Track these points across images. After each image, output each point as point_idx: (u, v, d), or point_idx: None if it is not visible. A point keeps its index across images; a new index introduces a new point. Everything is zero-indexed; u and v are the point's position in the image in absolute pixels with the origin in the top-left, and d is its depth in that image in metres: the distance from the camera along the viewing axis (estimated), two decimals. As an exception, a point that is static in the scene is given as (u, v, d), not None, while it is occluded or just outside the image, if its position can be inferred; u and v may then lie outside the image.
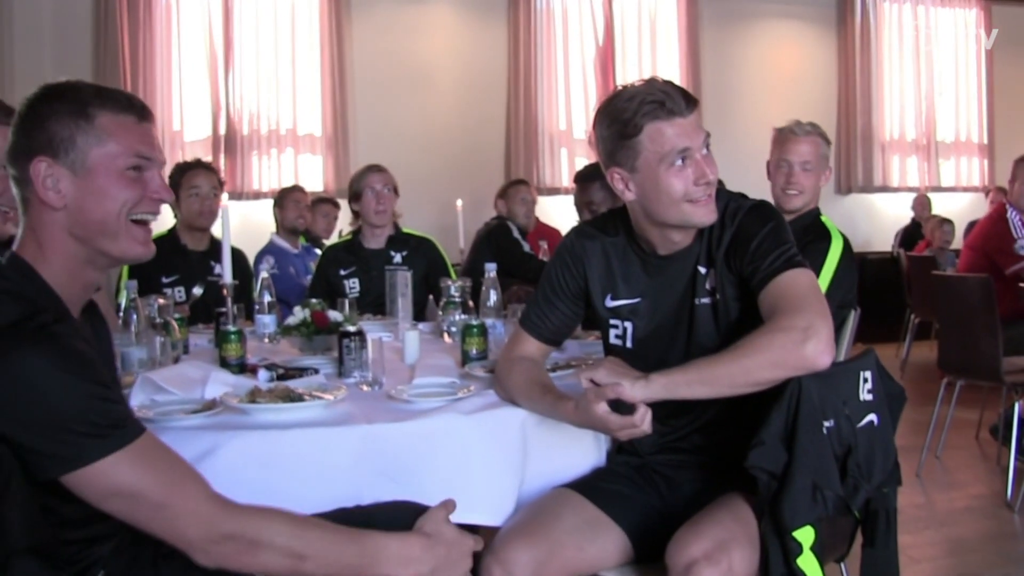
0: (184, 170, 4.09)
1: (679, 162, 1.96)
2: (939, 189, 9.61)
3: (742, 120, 8.65)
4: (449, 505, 1.77)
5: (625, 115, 1.97)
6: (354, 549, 1.60)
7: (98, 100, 1.58)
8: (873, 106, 9.49)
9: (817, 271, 2.77)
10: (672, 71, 8.80)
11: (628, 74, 8.63)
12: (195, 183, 3.99)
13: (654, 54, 8.82)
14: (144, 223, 1.62)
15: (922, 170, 9.70)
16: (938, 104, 9.74)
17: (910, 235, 8.75)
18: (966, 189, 9.80)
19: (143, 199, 1.60)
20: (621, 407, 1.86)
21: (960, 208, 9.29)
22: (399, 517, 1.76)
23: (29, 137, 1.56)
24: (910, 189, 9.47)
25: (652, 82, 2.00)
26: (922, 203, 8.90)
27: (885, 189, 9.59)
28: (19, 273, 1.55)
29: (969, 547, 3.81)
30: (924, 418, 4.89)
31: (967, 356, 4.45)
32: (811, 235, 2.97)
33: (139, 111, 1.62)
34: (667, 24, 8.86)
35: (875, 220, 9.59)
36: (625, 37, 8.74)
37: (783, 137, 3.26)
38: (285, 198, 6.00)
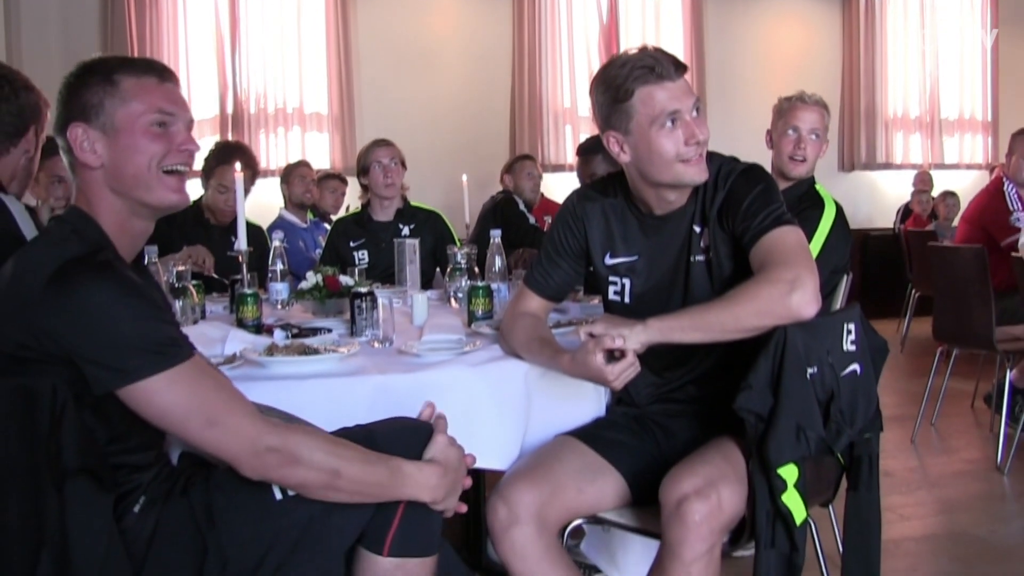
0: (221, 160, 4.19)
1: (669, 124, 2.08)
2: (943, 166, 9.66)
3: (746, 97, 8.72)
4: (441, 424, 1.90)
5: (617, 80, 2.10)
6: (383, 471, 1.74)
7: (122, 67, 1.74)
8: (877, 83, 9.55)
9: (809, 237, 2.89)
10: (676, 48, 8.85)
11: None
12: (227, 181, 4.08)
13: (658, 31, 8.87)
14: (176, 173, 1.76)
15: (925, 147, 9.75)
16: (942, 81, 9.79)
17: (910, 211, 8.85)
18: (969, 166, 9.85)
19: (171, 151, 1.74)
20: (613, 358, 1.98)
21: (964, 185, 9.33)
22: (396, 428, 1.88)
23: (67, 108, 1.73)
24: (913, 166, 9.50)
25: (644, 49, 2.13)
26: (922, 179, 8.98)
27: (888, 166, 9.66)
28: (79, 218, 1.72)
29: (958, 507, 3.94)
30: (922, 389, 5.01)
31: (961, 325, 4.57)
32: (806, 203, 3.08)
33: (159, 72, 1.76)
34: (671, 1, 8.93)
35: (878, 197, 9.67)
36: (629, 15, 8.79)
37: (791, 105, 3.34)
38: (291, 173, 6.12)
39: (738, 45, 9.16)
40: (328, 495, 1.71)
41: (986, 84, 9.91)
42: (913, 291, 7.71)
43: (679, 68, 2.11)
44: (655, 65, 2.07)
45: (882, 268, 9.00)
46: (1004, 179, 5.03)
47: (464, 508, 1.90)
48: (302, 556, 1.74)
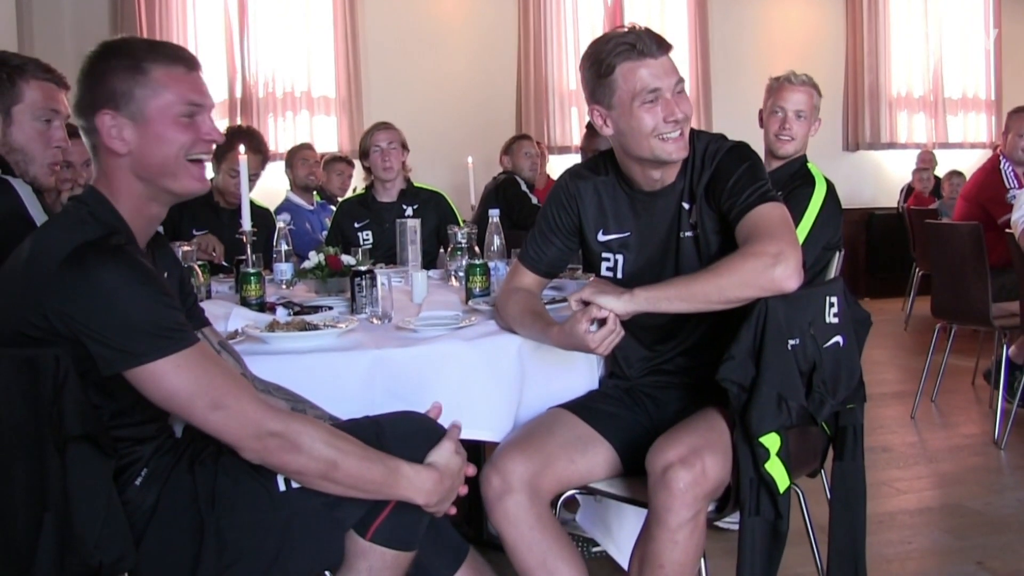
0: (231, 143, 4.25)
1: (650, 100, 2.14)
2: (947, 145, 9.69)
3: (750, 77, 8.66)
4: (454, 433, 1.95)
5: (601, 55, 2.17)
6: (380, 469, 1.78)
7: (151, 55, 1.76)
8: (881, 63, 9.57)
9: (801, 214, 2.95)
10: (681, 30, 8.90)
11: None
12: (238, 165, 4.13)
13: (663, 13, 8.91)
14: (199, 161, 1.80)
15: (929, 127, 9.78)
16: (945, 61, 9.81)
17: (914, 190, 8.88)
18: (973, 145, 9.87)
19: (197, 141, 1.78)
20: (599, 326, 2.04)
21: (968, 164, 9.33)
22: (407, 427, 1.93)
23: (92, 92, 1.75)
24: (917, 146, 9.54)
25: (631, 27, 2.19)
26: (923, 158, 9.01)
27: (893, 146, 9.69)
28: (96, 201, 1.76)
29: (954, 480, 3.99)
30: (923, 365, 5.05)
31: (959, 302, 4.62)
32: (797, 181, 3.13)
33: (188, 62, 1.79)
34: (676, -18, 8.96)
35: (883, 176, 9.69)
36: (634, -4, 8.85)
37: (779, 85, 3.40)
38: (294, 156, 6.17)
39: (742, 25, 9.18)
40: (324, 486, 1.75)
41: (989, 63, 9.92)
42: (917, 269, 7.74)
43: (662, 46, 2.16)
44: (636, 42, 2.13)
45: (887, 247, 9.05)
46: (1001, 157, 5.06)
47: (454, 511, 1.94)
48: (300, 546, 1.79)
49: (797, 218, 2.88)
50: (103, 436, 1.68)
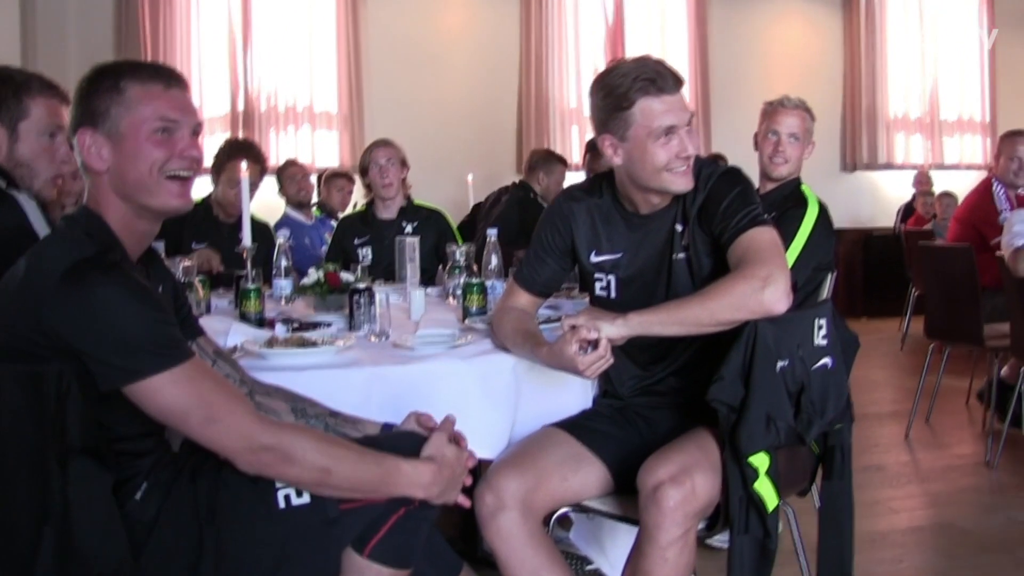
0: (231, 155, 4.29)
1: (664, 136, 2.18)
2: (942, 167, 9.75)
3: (749, 98, 8.67)
4: (448, 425, 1.98)
5: (620, 89, 2.20)
6: (374, 469, 1.82)
7: (129, 73, 1.80)
8: (878, 85, 9.65)
9: (792, 235, 2.99)
10: (681, 50, 8.97)
11: (637, 52, 8.73)
12: (237, 176, 4.18)
13: (663, 33, 8.99)
14: (179, 178, 1.82)
15: (926, 148, 9.85)
16: (942, 83, 9.89)
17: (911, 211, 8.93)
18: (969, 167, 9.91)
19: (173, 157, 1.80)
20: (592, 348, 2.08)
21: (963, 185, 9.34)
22: (403, 445, 1.95)
23: (79, 111, 1.80)
24: (914, 167, 9.59)
25: (645, 60, 2.23)
26: (920, 179, 9.07)
27: (890, 166, 9.75)
28: (89, 219, 1.80)
29: (946, 500, 4.03)
30: (918, 386, 5.08)
31: (952, 322, 4.66)
32: (790, 203, 3.18)
33: (166, 78, 1.82)
34: (676, 4, 9.02)
35: (880, 197, 9.75)
36: (635, 16, 8.91)
37: (772, 109, 3.47)
38: (281, 176, 6.22)
39: (742, 47, 9.25)
40: (322, 491, 1.79)
41: (984, 86, 10.00)
42: (913, 290, 7.79)
43: (677, 82, 2.21)
44: (656, 78, 2.18)
45: (883, 267, 9.09)
46: (993, 180, 5.12)
47: (468, 503, 1.99)
48: (298, 562, 1.82)
49: (788, 239, 2.93)
50: (104, 449, 1.72)
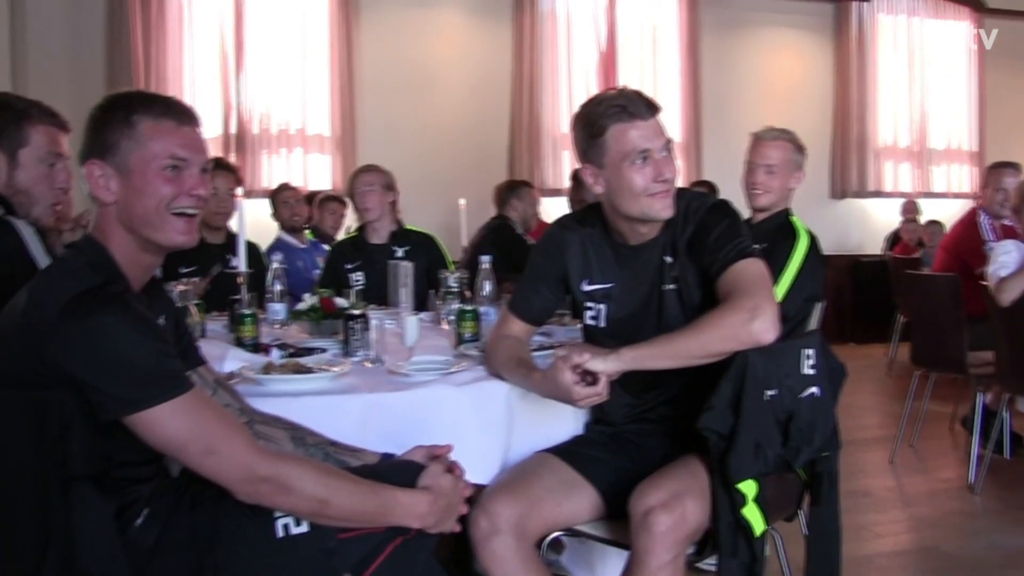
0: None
1: (639, 161, 2.24)
2: (931, 195, 9.88)
3: (740, 125, 8.73)
4: (444, 458, 2.03)
5: (593, 117, 2.27)
6: (372, 499, 1.85)
7: (142, 108, 1.81)
8: (867, 113, 9.78)
9: (782, 266, 3.04)
10: (672, 77, 9.07)
11: (629, 78, 8.88)
12: (214, 184, 4.24)
13: (655, 60, 9.09)
14: (185, 215, 1.84)
15: (914, 176, 9.98)
16: (930, 112, 10.03)
17: (898, 239, 9.02)
18: (957, 195, 10.04)
19: (180, 194, 1.82)
20: (585, 382, 2.12)
21: (951, 213, 9.42)
22: (400, 474, 1.99)
23: (90, 142, 1.82)
24: (903, 194, 9.70)
25: (621, 89, 2.30)
26: (907, 208, 9.17)
27: (879, 194, 9.86)
28: (93, 249, 1.83)
29: (931, 524, 4.08)
30: (904, 412, 5.15)
31: (936, 350, 4.73)
32: (780, 234, 3.23)
33: (178, 116, 1.84)
34: (668, 31, 9.13)
35: (868, 224, 9.85)
36: (627, 43, 9.01)
37: (754, 141, 3.56)
38: (275, 200, 6.24)
39: (733, 74, 9.35)
40: (319, 520, 1.82)
41: (973, 115, 10.14)
42: (900, 316, 7.86)
43: (651, 108, 2.26)
44: (628, 104, 2.24)
45: (871, 294, 9.17)
46: (979, 210, 5.21)
47: (459, 528, 2.02)
48: None
49: (778, 271, 2.98)
50: (105, 476, 1.74)
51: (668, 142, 2.28)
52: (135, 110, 1.80)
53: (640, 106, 2.24)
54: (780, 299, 2.93)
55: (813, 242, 3.23)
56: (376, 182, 4.45)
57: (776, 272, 2.93)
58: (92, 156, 1.81)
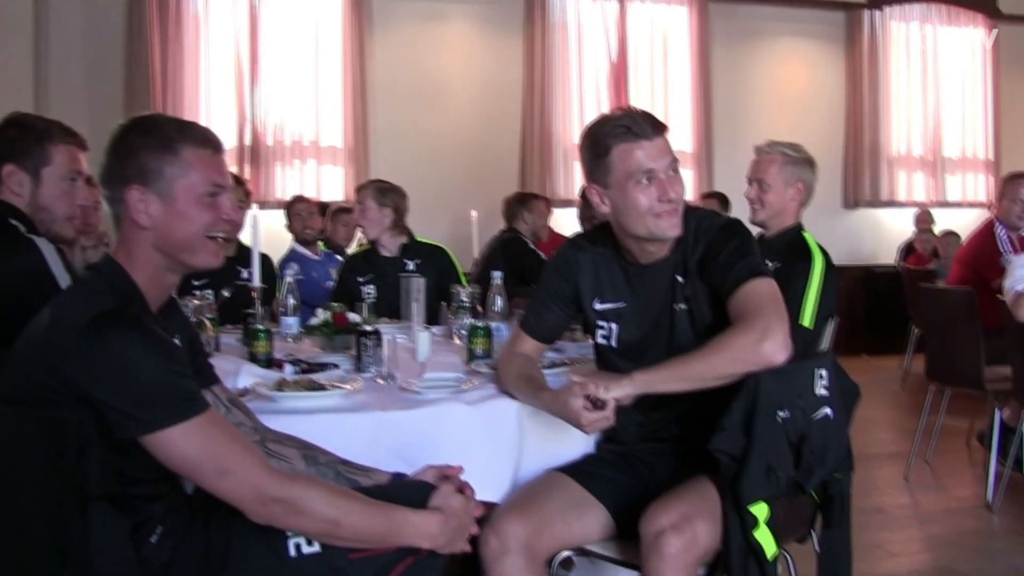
0: None
1: (644, 180, 2.24)
2: (945, 204, 9.82)
3: (751, 135, 8.68)
4: (454, 479, 2.04)
5: (598, 137, 2.28)
6: (382, 520, 1.86)
7: (180, 135, 1.86)
8: (880, 122, 9.73)
9: (803, 290, 3.01)
10: (683, 87, 9.07)
11: (641, 89, 8.90)
12: None
13: (666, 70, 9.08)
14: (216, 239, 1.90)
15: (928, 185, 9.92)
16: (944, 121, 9.97)
17: (911, 249, 8.98)
18: (971, 204, 9.97)
19: (217, 220, 1.88)
20: (594, 407, 2.12)
21: (965, 223, 9.40)
22: (411, 495, 1.99)
23: (123, 166, 1.84)
24: (916, 204, 9.64)
25: (627, 109, 2.30)
26: (920, 218, 9.12)
27: (892, 204, 9.80)
28: (113, 271, 1.86)
29: (946, 543, 4.04)
30: (918, 427, 5.09)
31: (952, 365, 4.69)
32: (793, 256, 3.19)
33: (215, 145, 1.91)
34: (679, 41, 9.13)
35: (882, 234, 9.80)
36: (638, 54, 9.01)
37: (754, 156, 3.53)
38: (289, 212, 6.31)
39: (744, 84, 9.34)
40: (332, 541, 1.84)
41: (987, 123, 10.07)
42: (914, 328, 7.81)
43: (656, 128, 2.26)
44: (632, 125, 2.24)
45: (884, 305, 9.12)
46: (995, 222, 5.16)
47: (469, 548, 2.02)
48: None
49: (799, 296, 2.96)
50: (121, 495, 1.76)
51: (674, 161, 2.28)
52: (174, 137, 1.85)
53: (645, 126, 2.25)
54: (809, 324, 2.93)
55: (827, 260, 3.20)
56: (365, 198, 4.48)
57: (797, 299, 2.92)
58: (133, 182, 1.83)
